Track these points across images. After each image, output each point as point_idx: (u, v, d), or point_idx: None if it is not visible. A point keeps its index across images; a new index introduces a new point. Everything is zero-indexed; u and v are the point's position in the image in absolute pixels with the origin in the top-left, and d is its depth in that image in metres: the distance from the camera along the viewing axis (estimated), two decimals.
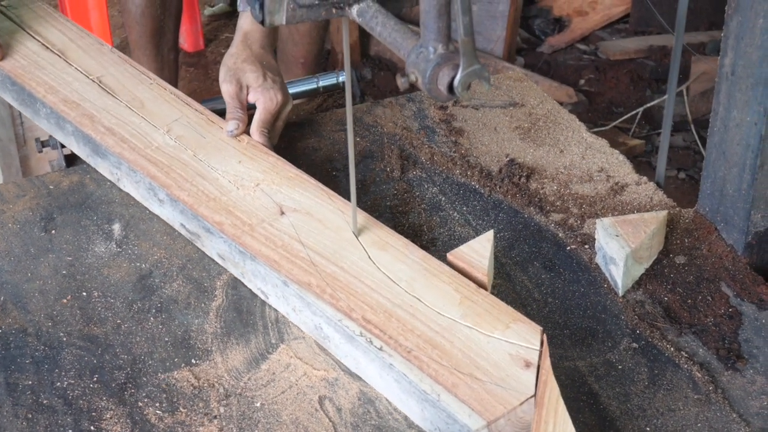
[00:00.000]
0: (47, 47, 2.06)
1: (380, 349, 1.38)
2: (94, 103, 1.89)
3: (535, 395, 1.30)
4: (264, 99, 1.86)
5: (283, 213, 1.62)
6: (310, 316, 1.49)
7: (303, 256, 1.53)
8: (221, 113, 1.90)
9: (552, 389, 1.30)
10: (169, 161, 1.74)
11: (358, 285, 1.47)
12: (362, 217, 1.60)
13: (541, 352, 1.35)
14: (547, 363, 1.33)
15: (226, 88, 1.88)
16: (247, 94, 1.88)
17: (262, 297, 1.58)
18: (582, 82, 4.12)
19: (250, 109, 1.88)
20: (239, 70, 1.89)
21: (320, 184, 1.69)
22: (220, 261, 1.65)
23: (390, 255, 1.53)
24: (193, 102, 1.91)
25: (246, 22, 1.96)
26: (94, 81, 1.95)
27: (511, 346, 1.36)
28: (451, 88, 1.19)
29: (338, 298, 1.45)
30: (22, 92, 1.97)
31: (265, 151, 1.78)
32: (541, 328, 1.38)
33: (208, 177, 1.71)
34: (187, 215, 1.67)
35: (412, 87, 1.26)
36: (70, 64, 2.01)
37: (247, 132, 1.83)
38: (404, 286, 1.47)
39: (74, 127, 1.85)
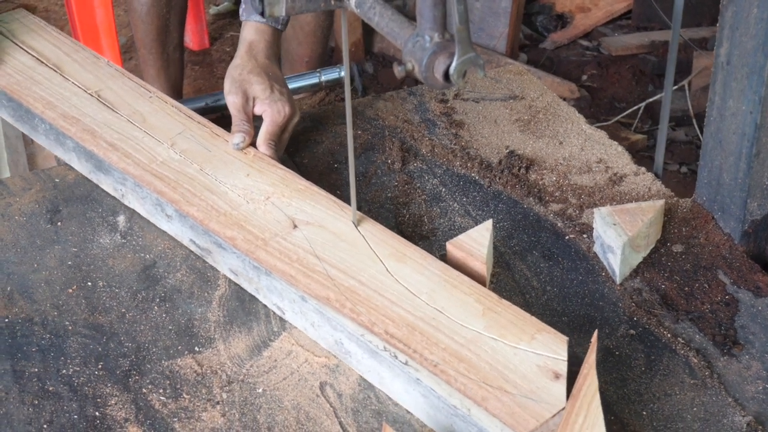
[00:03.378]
0: (42, 62, 2.03)
1: (406, 363, 1.36)
2: (94, 118, 1.86)
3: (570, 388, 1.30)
4: (272, 111, 1.83)
5: (295, 226, 1.59)
6: (330, 331, 1.47)
7: (320, 270, 1.50)
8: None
9: (591, 384, 1.29)
10: (175, 176, 1.72)
11: (377, 298, 1.45)
12: (378, 229, 1.58)
13: (588, 347, 1.34)
14: (592, 358, 1.32)
15: (232, 100, 1.85)
16: (254, 105, 1.85)
17: (279, 313, 1.56)
18: (584, 77, 4.13)
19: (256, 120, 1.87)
20: (245, 82, 1.86)
21: (331, 196, 1.66)
22: (232, 277, 1.63)
23: (408, 267, 1.50)
24: (195, 114, 1.88)
25: (249, 32, 1.94)
26: (92, 95, 1.92)
27: (539, 357, 1.34)
28: (447, 75, 1.21)
29: (359, 312, 1.42)
30: (19, 108, 1.94)
31: (272, 163, 1.75)
32: (567, 338, 1.36)
33: (217, 191, 1.68)
34: (198, 231, 1.64)
35: (411, 77, 1.28)
36: (66, 78, 1.98)
37: (252, 144, 1.81)
38: (425, 299, 1.45)
39: (75, 143, 1.83)
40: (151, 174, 1.72)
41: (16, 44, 2.10)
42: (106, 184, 1.84)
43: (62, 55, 2.06)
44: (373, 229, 1.58)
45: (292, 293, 1.50)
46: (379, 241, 1.56)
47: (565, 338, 1.36)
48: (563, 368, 1.32)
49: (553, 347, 1.35)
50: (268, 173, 1.73)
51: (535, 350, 1.35)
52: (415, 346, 1.36)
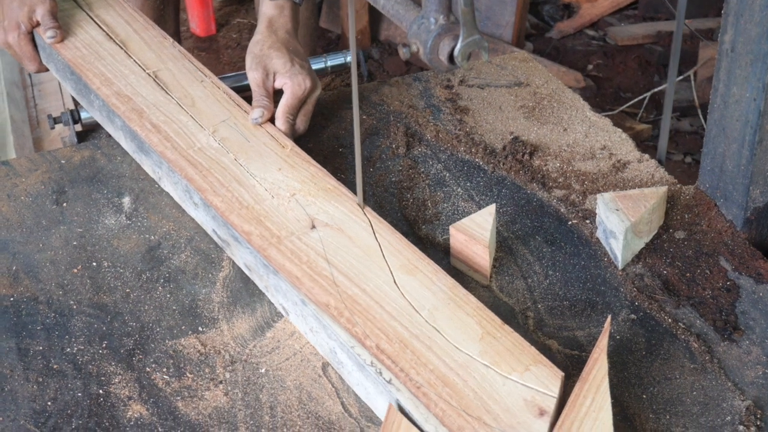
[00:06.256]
0: (111, 37, 2.04)
1: (389, 381, 1.32)
2: (145, 98, 1.85)
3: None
4: (292, 84, 1.84)
5: (314, 227, 1.56)
6: (326, 339, 1.44)
7: (326, 275, 1.46)
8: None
9: (600, 368, 1.28)
10: (208, 164, 1.70)
11: (377, 310, 1.40)
12: (396, 238, 1.53)
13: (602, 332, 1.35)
14: (603, 342, 1.32)
15: (253, 76, 1.86)
16: (274, 80, 1.86)
17: (283, 313, 1.55)
18: (590, 67, 4.14)
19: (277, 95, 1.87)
20: (266, 57, 1.87)
21: (357, 199, 1.62)
22: (246, 272, 1.61)
23: (417, 281, 1.45)
24: (243, 103, 1.86)
25: (268, 7, 1.95)
26: (150, 75, 1.92)
27: (528, 391, 1.28)
28: (451, 58, 1.22)
29: (355, 322, 1.38)
30: (79, 82, 1.95)
31: (307, 159, 1.71)
32: (563, 374, 1.30)
33: (245, 183, 1.65)
34: (219, 222, 1.62)
35: (415, 60, 1.28)
36: (129, 56, 1.98)
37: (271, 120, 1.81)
38: (425, 315, 1.39)
39: (123, 122, 1.83)
40: (185, 160, 1.70)
41: (90, 17, 2.11)
42: (147, 165, 1.84)
43: (131, 32, 2.06)
44: (391, 238, 1.53)
45: (294, 295, 1.48)
46: (394, 250, 1.51)
47: (561, 373, 1.30)
48: (551, 405, 1.26)
49: (546, 382, 1.29)
50: (300, 169, 1.69)
51: (525, 383, 1.29)
52: (403, 364, 1.32)
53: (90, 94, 1.92)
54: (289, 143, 1.76)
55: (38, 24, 2.03)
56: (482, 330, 1.37)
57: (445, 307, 1.41)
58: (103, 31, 2.06)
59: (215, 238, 1.68)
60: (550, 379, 1.30)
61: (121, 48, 2.01)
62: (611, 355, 1.47)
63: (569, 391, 1.30)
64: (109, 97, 1.86)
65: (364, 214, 1.58)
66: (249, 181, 1.66)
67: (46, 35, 2.01)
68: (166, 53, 2.00)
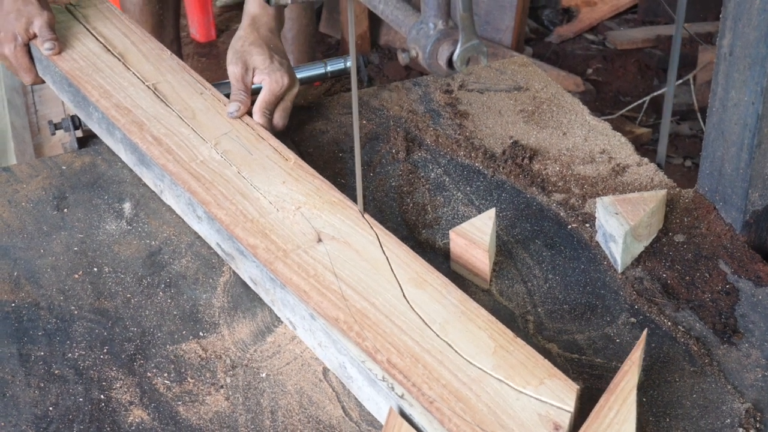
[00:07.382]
0: (108, 49, 2.03)
1: (401, 396, 1.31)
2: (145, 110, 1.84)
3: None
4: (270, 80, 1.88)
5: (320, 240, 1.55)
6: (335, 354, 1.42)
7: (334, 289, 1.45)
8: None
9: (630, 381, 1.28)
10: (211, 177, 1.69)
11: (387, 324, 1.39)
12: (403, 251, 1.52)
13: (637, 345, 1.34)
14: (636, 355, 1.31)
15: (232, 70, 1.90)
16: (253, 76, 1.90)
17: (291, 327, 1.53)
18: (590, 71, 4.14)
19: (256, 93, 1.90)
20: (246, 53, 1.90)
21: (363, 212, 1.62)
22: (252, 285, 1.60)
23: (427, 294, 1.44)
24: (245, 116, 1.86)
25: (253, 5, 1.98)
26: (149, 87, 1.91)
27: (542, 405, 1.26)
28: (450, 62, 1.22)
29: (365, 337, 1.37)
30: (77, 94, 1.95)
31: (311, 172, 1.71)
32: (578, 387, 1.29)
33: (249, 196, 1.64)
34: (223, 235, 1.61)
35: (414, 65, 1.29)
36: (128, 68, 1.97)
37: (249, 113, 1.85)
38: (436, 329, 1.38)
39: (123, 134, 1.82)
40: (188, 172, 1.69)
41: (88, 30, 2.11)
42: (148, 178, 1.83)
43: (129, 45, 2.05)
44: (398, 251, 1.53)
45: (302, 310, 1.46)
46: (402, 263, 1.50)
47: (576, 387, 1.29)
48: (566, 420, 1.25)
49: (561, 396, 1.28)
50: (305, 182, 1.68)
51: (540, 397, 1.28)
52: (415, 379, 1.31)
53: (89, 106, 1.92)
54: (292, 156, 1.75)
55: (35, 36, 2.04)
56: (495, 343, 1.36)
57: (456, 320, 1.40)
58: (101, 43, 2.06)
59: (219, 252, 1.67)
60: (565, 392, 1.29)
61: (120, 60, 2.00)
62: (611, 359, 1.48)
63: (586, 405, 1.29)
64: (109, 109, 1.86)
65: (370, 227, 1.58)
66: (253, 194, 1.65)
67: (43, 47, 2.00)
68: (164, 65, 2.00)
